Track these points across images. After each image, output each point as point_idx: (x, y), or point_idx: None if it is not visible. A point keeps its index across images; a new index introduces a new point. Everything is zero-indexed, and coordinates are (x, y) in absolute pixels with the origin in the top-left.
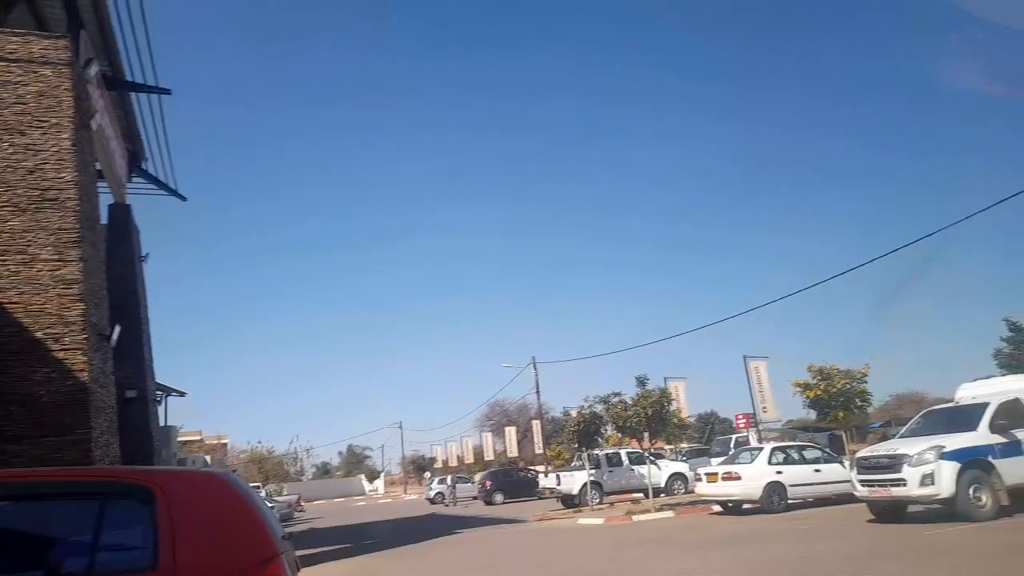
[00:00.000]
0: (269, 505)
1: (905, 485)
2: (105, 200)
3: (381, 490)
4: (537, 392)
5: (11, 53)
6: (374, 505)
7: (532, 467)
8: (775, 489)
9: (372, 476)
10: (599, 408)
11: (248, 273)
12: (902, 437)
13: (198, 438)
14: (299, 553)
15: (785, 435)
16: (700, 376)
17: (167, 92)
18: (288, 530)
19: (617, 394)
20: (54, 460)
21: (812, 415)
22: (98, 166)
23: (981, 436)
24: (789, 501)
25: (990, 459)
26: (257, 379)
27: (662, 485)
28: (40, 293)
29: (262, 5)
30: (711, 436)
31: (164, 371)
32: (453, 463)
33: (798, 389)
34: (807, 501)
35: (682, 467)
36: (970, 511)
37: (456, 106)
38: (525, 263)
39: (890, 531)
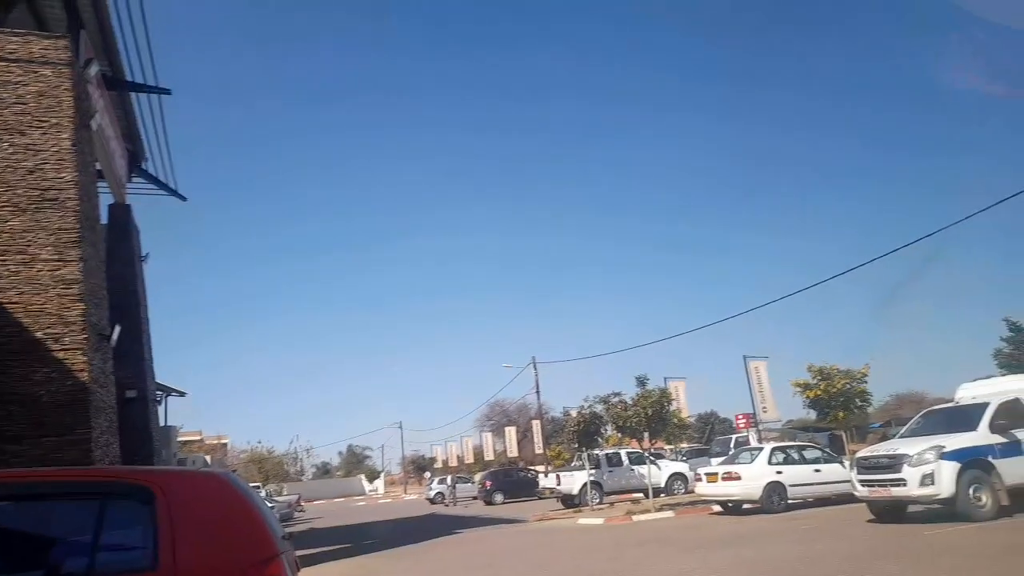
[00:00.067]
0: (269, 505)
1: (905, 485)
2: (105, 200)
3: (381, 490)
4: (537, 392)
5: (11, 53)
6: (374, 505)
7: (532, 467)
8: (775, 489)
9: (372, 476)
10: (599, 408)
11: (248, 273)
12: (902, 437)
13: (198, 438)
14: (299, 553)
15: (785, 435)
16: (700, 376)
17: (167, 92)
18: (288, 530)
19: (617, 394)
20: (54, 460)
21: (812, 415)
22: (98, 166)
23: (981, 436)
24: (789, 501)
25: (990, 459)
26: (257, 379)
27: (662, 485)
28: (40, 293)
29: (262, 5)
30: (711, 436)
31: (164, 371)
32: (453, 463)
33: (798, 389)
34: (807, 501)
35: (682, 467)
36: (970, 511)
37: (456, 106)
38: (525, 263)
39: (890, 531)
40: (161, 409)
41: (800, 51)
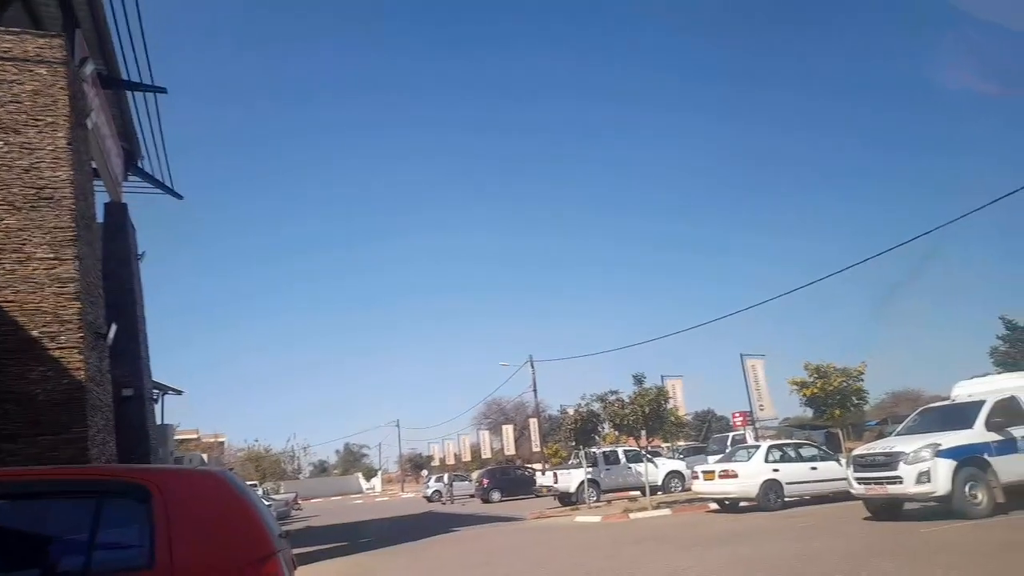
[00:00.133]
0: (266, 503)
1: (901, 483)
2: (101, 199)
3: (378, 488)
4: (534, 390)
5: (6, 52)
6: (371, 503)
7: (529, 465)
8: (772, 487)
9: (369, 474)
10: (596, 406)
11: (245, 272)
12: (898, 435)
13: (195, 436)
14: (296, 551)
15: (782, 433)
16: (697, 374)
17: (163, 91)
18: (285, 528)
19: (614, 392)
20: (50, 458)
21: (809, 413)
22: (94, 164)
23: (977, 434)
24: (786, 499)
25: (986, 457)
26: (254, 377)
27: (659, 483)
28: (36, 292)
29: (259, 5)
30: (708, 434)
31: (161, 369)
32: (450, 461)
33: (795, 387)
34: (804, 499)
35: (679, 465)
36: (966, 509)
37: (455, 105)
38: (524, 262)
39: (886, 529)
40: (158, 407)
41: (799, 51)
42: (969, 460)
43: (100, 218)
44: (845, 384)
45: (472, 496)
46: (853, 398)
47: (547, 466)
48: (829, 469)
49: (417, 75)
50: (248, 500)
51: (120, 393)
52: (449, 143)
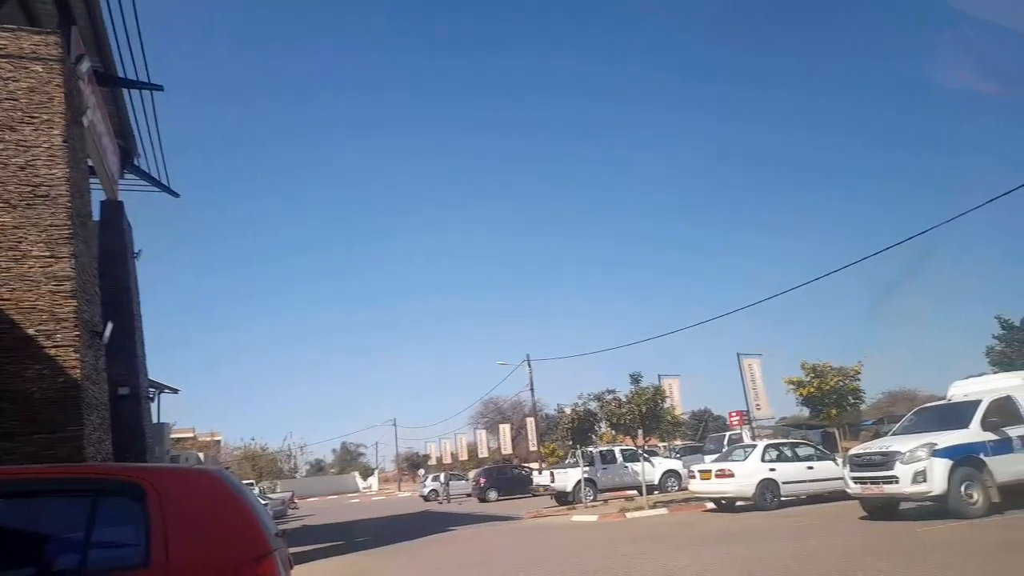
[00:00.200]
0: (262, 502)
1: (897, 482)
2: (97, 196)
3: (375, 487)
4: (531, 389)
5: (1, 48)
6: (368, 502)
7: (526, 464)
8: (768, 486)
9: (366, 473)
10: (593, 405)
11: (244, 271)
12: (895, 434)
13: (191, 435)
14: (292, 550)
15: (778, 432)
16: (694, 374)
17: (159, 88)
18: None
19: (611, 391)
20: (46, 457)
21: (805, 412)
22: (90, 162)
23: (973, 433)
24: (782, 498)
25: (982, 456)
26: (251, 376)
27: (656, 482)
28: (32, 289)
29: (258, 4)
30: (705, 433)
31: (157, 368)
32: (447, 460)
33: (791, 386)
34: (800, 498)
35: (676, 464)
36: (962, 508)
37: (454, 105)
38: (523, 262)
39: (883, 528)
40: (154, 406)
41: (799, 51)
42: (965, 460)
43: (96, 216)
44: (841, 384)
45: (469, 495)
46: (849, 398)
47: (544, 465)
48: (825, 469)
49: (417, 74)
50: (244, 499)
51: (116, 391)
52: (448, 143)
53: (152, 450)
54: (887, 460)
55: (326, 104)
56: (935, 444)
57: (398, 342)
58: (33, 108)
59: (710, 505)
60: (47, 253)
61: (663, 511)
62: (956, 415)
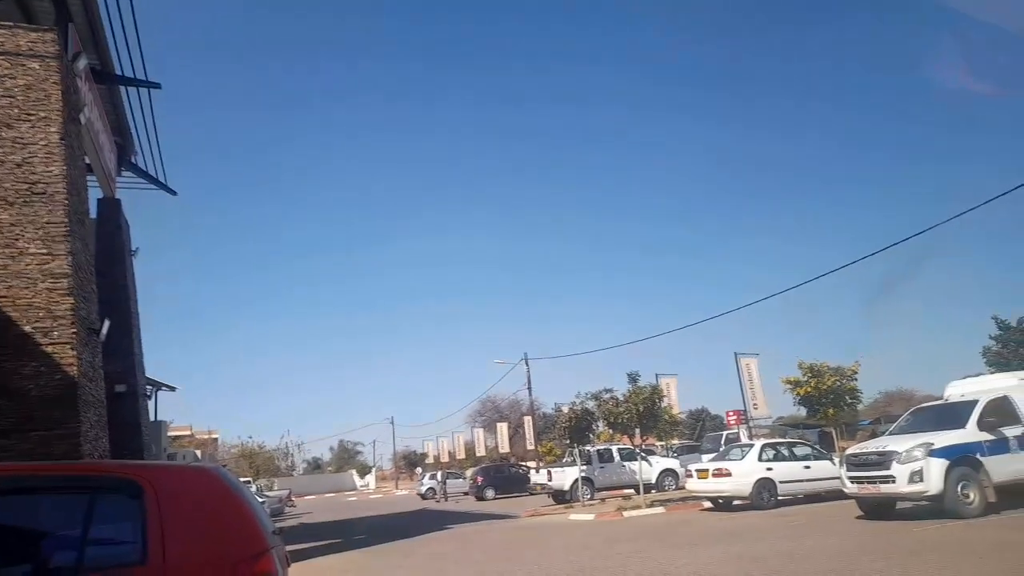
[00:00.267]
0: (260, 500)
1: (894, 482)
2: (94, 194)
3: (372, 485)
4: (529, 388)
5: None
6: (365, 500)
7: (523, 463)
8: (765, 485)
9: (363, 471)
10: (591, 404)
11: (244, 273)
12: (891, 434)
13: (188, 433)
14: (289, 548)
15: (775, 432)
16: (692, 374)
17: (157, 86)
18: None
19: (609, 390)
20: (43, 454)
21: (802, 412)
22: (87, 160)
23: (969, 433)
24: (779, 498)
25: (978, 456)
26: (248, 375)
27: (653, 481)
28: (29, 287)
29: (258, 8)
30: (702, 433)
31: (154, 366)
32: (444, 459)
33: (788, 386)
34: (797, 498)
35: (673, 463)
36: (958, 508)
37: (454, 110)
38: (523, 266)
39: (879, 528)
40: (151, 404)
41: (798, 56)
42: (961, 460)
43: (93, 213)
44: (839, 383)
45: (466, 494)
46: (846, 397)
47: (541, 464)
48: (822, 468)
49: (416, 79)
50: (241, 496)
51: (113, 389)
52: (448, 147)
53: (149, 448)
54: (884, 460)
55: (327, 108)
56: (932, 444)
57: (397, 344)
58: (30, 105)
59: (707, 504)
60: (44, 250)
61: (660, 510)
62: (953, 415)
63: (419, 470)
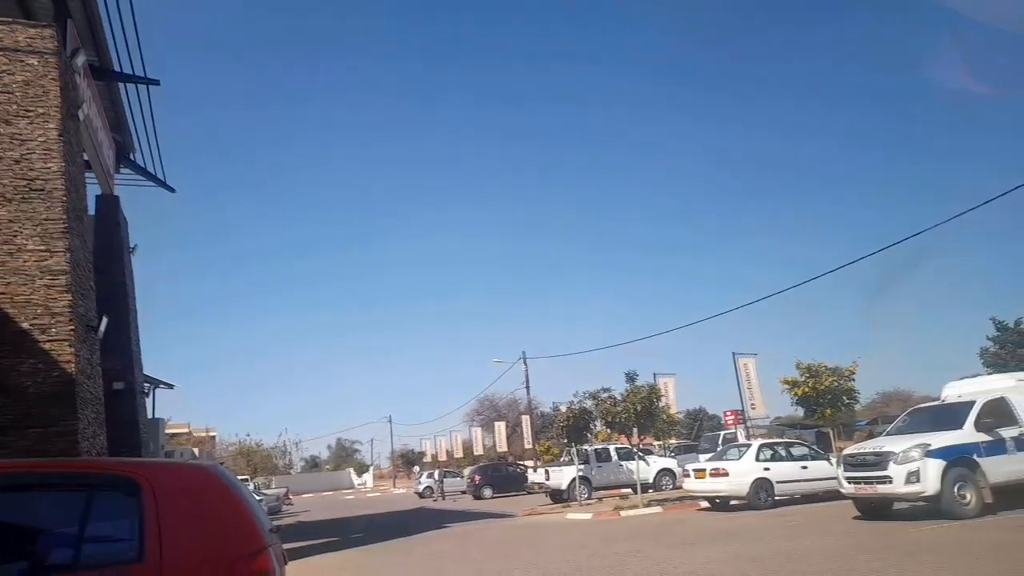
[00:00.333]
0: (257, 498)
1: (891, 482)
2: (93, 191)
3: (370, 484)
4: (527, 387)
5: None
6: (363, 499)
7: (521, 462)
8: (762, 485)
9: (361, 470)
10: (588, 404)
11: (243, 272)
12: (888, 435)
13: (186, 431)
14: (287, 546)
15: (773, 432)
16: (690, 374)
17: (155, 83)
18: (276, 523)
19: (607, 390)
20: (40, 451)
21: (800, 412)
22: (85, 156)
23: (967, 434)
24: (776, 498)
25: (975, 457)
26: (246, 373)
27: (650, 481)
28: (26, 284)
29: (258, 7)
30: (699, 432)
31: (152, 363)
32: (442, 457)
33: (786, 386)
34: (794, 498)
35: (670, 463)
36: (955, 509)
37: (454, 110)
38: (523, 266)
39: (876, 528)
40: (149, 401)
41: (798, 56)
42: (958, 460)
43: (92, 210)
44: (836, 384)
45: (463, 492)
46: (844, 398)
47: (539, 463)
48: (819, 468)
49: (416, 78)
50: (239, 494)
51: (111, 386)
52: (448, 147)
53: (147, 445)
54: (881, 460)
55: (326, 107)
56: (929, 445)
57: (396, 343)
58: (28, 102)
59: (704, 504)
60: (42, 247)
61: (657, 509)
62: (950, 416)
63: (417, 469)
